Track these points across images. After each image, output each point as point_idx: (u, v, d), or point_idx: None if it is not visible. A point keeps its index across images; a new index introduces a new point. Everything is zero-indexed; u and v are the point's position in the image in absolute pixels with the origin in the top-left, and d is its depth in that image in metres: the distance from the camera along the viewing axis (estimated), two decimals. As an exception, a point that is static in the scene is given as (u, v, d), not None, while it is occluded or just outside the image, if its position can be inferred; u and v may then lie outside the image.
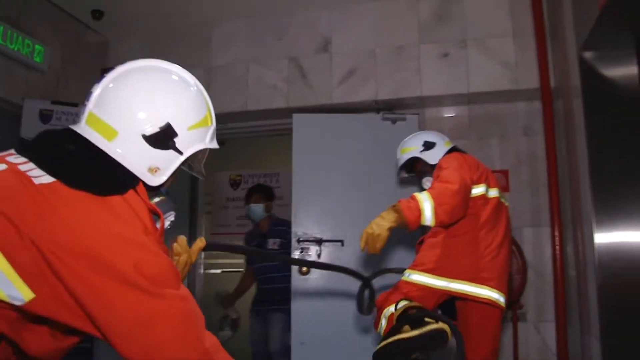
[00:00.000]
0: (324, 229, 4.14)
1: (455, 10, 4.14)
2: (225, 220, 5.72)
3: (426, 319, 2.39)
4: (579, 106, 3.19)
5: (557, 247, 3.78)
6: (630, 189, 2.88)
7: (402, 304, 2.59)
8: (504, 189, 3.97)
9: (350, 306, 3.34)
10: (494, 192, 2.86)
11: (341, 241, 4.09)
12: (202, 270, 5.49)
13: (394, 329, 2.49)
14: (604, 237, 2.93)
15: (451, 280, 2.68)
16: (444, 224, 2.65)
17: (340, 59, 4.32)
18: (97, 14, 4.56)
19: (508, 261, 2.90)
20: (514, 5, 4.02)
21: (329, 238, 4.11)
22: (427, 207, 2.50)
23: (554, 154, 3.86)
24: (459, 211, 2.60)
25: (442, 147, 3.01)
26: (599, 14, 2.63)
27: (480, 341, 2.82)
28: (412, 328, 2.39)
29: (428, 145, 3.05)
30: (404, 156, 3.10)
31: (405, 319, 2.51)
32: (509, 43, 4.01)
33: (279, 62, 4.43)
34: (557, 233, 3.78)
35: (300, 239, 4.13)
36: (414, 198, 2.53)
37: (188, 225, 4.80)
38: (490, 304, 2.72)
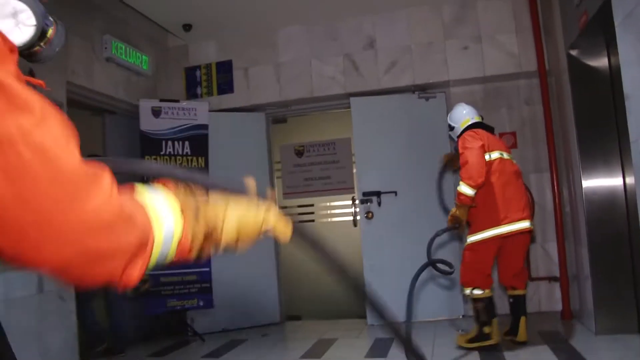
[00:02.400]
0: (381, 183, 5.52)
1: (471, 13, 5.44)
2: (293, 182, 7.09)
3: None
4: (567, 83, 4.56)
5: (556, 188, 5.17)
6: (605, 144, 4.28)
7: (477, 292, 4.00)
8: (513, 146, 5.33)
9: (401, 238, 4.84)
10: (493, 155, 4.11)
11: (395, 192, 5.47)
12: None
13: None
14: (588, 182, 4.35)
15: (497, 227, 4.00)
16: (480, 185, 3.94)
17: (384, 54, 5.62)
18: (187, 27, 5.77)
19: (525, 196, 4.24)
20: (515, 10, 5.33)
21: (385, 190, 5.49)
22: (464, 187, 3.93)
23: (550, 117, 5.21)
24: (482, 175, 3.92)
25: (458, 129, 4.36)
26: (579, 31, 4.00)
27: (517, 259, 4.18)
28: None
29: (450, 127, 4.45)
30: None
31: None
32: (512, 38, 5.34)
33: (336, 58, 5.72)
34: (555, 177, 5.16)
35: (364, 191, 5.51)
36: (458, 191, 3.97)
37: (270, 185, 6.09)
38: (524, 231, 4.08)
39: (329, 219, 7.48)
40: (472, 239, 4.08)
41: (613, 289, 4.22)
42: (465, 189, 3.93)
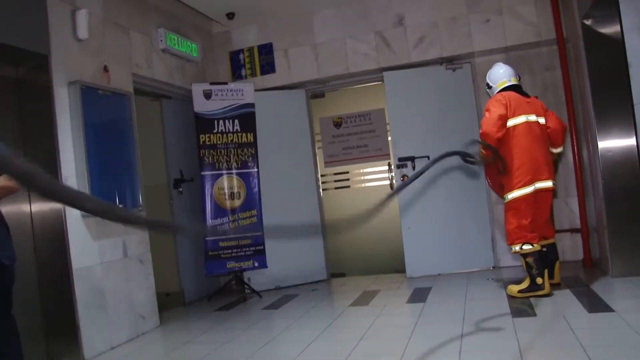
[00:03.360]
0: (415, 149, 6.04)
1: (492, -13, 5.85)
2: (333, 152, 7.66)
3: None
4: (582, 50, 4.97)
5: (575, 148, 5.61)
6: (618, 106, 4.69)
7: (526, 247, 4.43)
8: (535, 110, 5.75)
9: (434, 199, 5.39)
10: (519, 119, 4.55)
11: (427, 157, 5.99)
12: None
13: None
14: (603, 142, 4.80)
15: (528, 185, 4.48)
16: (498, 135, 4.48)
17: (412, 30, 6.08)
18: (231, 15, 6.30)
19: (548, 157, 4.68)
20: (534, -18, 5.72)
21: (419, 155, 6.02)
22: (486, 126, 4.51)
23: (569, 81, 5.63)
24: (496, 137, 4.47)
25: (495, 89, 4.83)
26: (590, 5, 4.42)
27: (543, 212, 4.66)
28: None
29: (488, 86, 4.91)
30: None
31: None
32: (532, 8, 5.74)
33: (368, 36, 6.20)
34: (574, 138, 5.60)
35: (399, 157, 6.04)
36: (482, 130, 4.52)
37: (312, 156, 6.69)
38: (548, 190, 4.57)
39: (363, 185, 8.07)
40: (509, 196, 4.57)
41: (627, 237, 4.70)
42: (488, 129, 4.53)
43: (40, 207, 4.16)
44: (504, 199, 4.64)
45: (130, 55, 5.13)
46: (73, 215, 4.17)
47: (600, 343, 3.21)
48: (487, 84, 4.95)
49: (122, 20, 5.07)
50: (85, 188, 4.25)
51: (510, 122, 4.56)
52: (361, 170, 8.06)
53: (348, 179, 8.12)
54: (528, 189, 4.47)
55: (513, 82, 4.77)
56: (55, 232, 4.10)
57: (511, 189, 4.53)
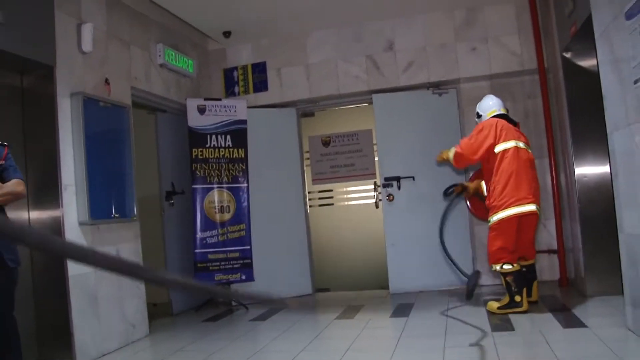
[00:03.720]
0: (401, 170, 6.27)
1: (479, 17, 6.13)
2: (321, 169, 7.87)
3: None
4: (561, 80, 5.25)
5: (554, 172, 5.87)
6: (594, 134, 4.95)
7: (507, 267, 4.67)
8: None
9: (419, 217, 5.60)
10: (507, 145, 4.77)
11: (412, 177, 6.21)
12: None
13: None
14: (580, 167, 5.06)
15: (512, 207, 4.69)
16: (456, 166, 4.89)
17: (402, 55, 6.33)
18: (227, 34, 6.50)
19: (534, 183, 4.85)
20: (518, 14, 6.01)
21: (404, 175, 6.24)
22: (451, 153, 4.84)
23: (549, 110, 5.90)
24: (462, 163, 4.87)
25: (484, 118, 5.08)
26: (569, 40, 4.69)
27: (527, 235, 4.87)
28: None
29: (477, 115, 5.16)
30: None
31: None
32: (515, 39, 6.03)
33: (359, 59, 6.44)
34: (553, 163, 5.86)
35: (385, 177, 6.26)
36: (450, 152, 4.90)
37: (301, 174, 6.87)
38: (532, 213, 4.77)
39: (346, 203, 8.31)
40: (493, 219, 4.78)
41: (601, 258, 4.93)
42: (451, 155, 4.93)
43: (38, 214, 4.28)
44: (489, 221, 4.84)
45: (130, 68, 5.30)
46: (70, 222, 4.30)
47: (573, 356, 3.42)
48: (477, 114, 5.20)
49: (124, 34, 5.24)
50: (84, 197, 4.39)
51: (500, 147, 4.78)
52: (345, 189, 8.30)
53: (332, 197, 8.35)
54: (512, 211, 4.68)
55: (502, 111, 5.05)
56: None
57: (496, 212, 4.74)
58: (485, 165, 4.89)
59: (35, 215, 4.28)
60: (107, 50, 4.97)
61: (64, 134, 4.36)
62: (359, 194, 8.19)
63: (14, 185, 3.26)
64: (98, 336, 4.46)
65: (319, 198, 8.26)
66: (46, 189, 4.27)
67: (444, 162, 5.23)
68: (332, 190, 8.25)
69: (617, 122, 3.68)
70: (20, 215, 4.20)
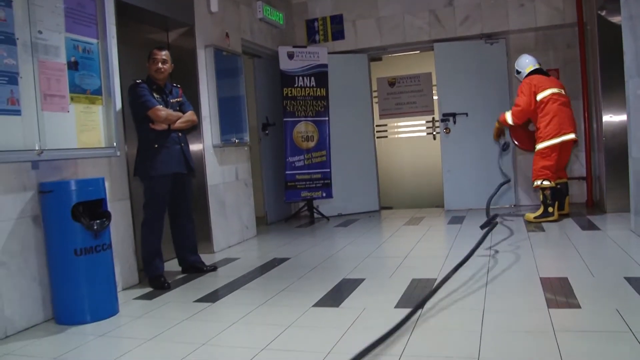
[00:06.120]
0: (456, 106, 7.49)
1: (528, -22, 7.17)
2: (387, 106, 9.20)
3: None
4: (596, 35, 6.32)
5: (586, 112, 7.01)
6: (621, 82, 6.05)
7: (546, 183, 5.97)
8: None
9: (470, 147, 6.88)
10: (546, 92, 6.03)
11: (466, 113, 7.44)
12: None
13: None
14: (607, 109, 6.21)
15: (556, 137, 5.97)
16: (518, 123, 6.09)
17: (460, 10, 7.43)
18: (310, -10, 7.68)
19: (572, 117, 6.10)
20: (562, -24, 7.03)
21: (459, 112, 7.47)
22: (508, 117, 6.02)
23: (584, 59, 6.98)
24: (523, 118, 6.08)
25: (523, 73, 6.26)
26: (603, 1, 5.76)
27: (565, 158, 6.19)
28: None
29: (517, 72, 6.34)
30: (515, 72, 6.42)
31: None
32: (559, -3, 7.08)
33: (422, 13, 7.57)
34: (585, 104, 6.99)
35: (444, 113, 7.51)
36: (503, 115, 6.12)
37: (370, 110, 8.18)
38: (571, 141, 6.03)
39: (396, 136, 9.84)
40: (540, 146, 6.06)
41: (619, 182, 6.08)
42: (509, 119, 6.16)
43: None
44: (534, 149, 6.13)
45: (239, 23, 6.58)
46: (207, 145, 5.70)
47: (588, 247, 4.73)
48: (517, 70, 6.42)
49: (235, -3, 6.50)
50: (217, 125, 5.78)
51: (540, 96, 6.04)
52: (395, 124, 9.73)
53: (386, 131, 9.73)
54: (556, 140, 5.97)
55: (537, 67, 6.26)
56: (197, 159, 5.61)
57: (543, 140, 6.02)
58: (534, 111, 6.12)
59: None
60: (225, 10, 6.24)
61: (201, 77, 5.71)
62: (408, 129, 9.76)
63: (191, 114, 4.64)
64: (226, 232, 5.94)
65: (377, 131, 9.59)
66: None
67: (500, 129, 6.60)
68: (386, 125, 9.74)
69: (631, 72, 4.84)
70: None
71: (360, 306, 3.41)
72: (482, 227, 5.19)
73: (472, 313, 3.10)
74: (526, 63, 6.31)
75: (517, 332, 2.79)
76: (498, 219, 5.98)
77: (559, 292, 3.39)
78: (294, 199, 7.59)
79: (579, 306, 3.10)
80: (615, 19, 6.15)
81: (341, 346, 2.74)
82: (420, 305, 3.16)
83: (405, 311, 3.00)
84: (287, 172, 7.43)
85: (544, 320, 2.89)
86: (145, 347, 2.95)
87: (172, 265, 4.84)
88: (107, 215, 3.57)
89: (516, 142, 6.64)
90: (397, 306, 3.36)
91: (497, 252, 4.68)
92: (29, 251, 3.42)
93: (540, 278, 3.74)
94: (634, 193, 4.95)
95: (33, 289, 3.44)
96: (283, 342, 2.88)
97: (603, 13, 6.22)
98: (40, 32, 3.48)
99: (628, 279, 3.53)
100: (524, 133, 6.52)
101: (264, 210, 7.52)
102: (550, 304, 3.17)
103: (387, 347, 2.63)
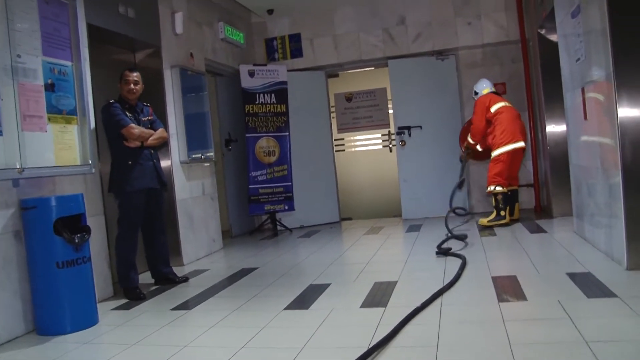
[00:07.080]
0: (411, 120, 7.88)
1: (474, -2, 7.64)
2: (344, 120, 9.55)
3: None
4: (537, 50, 6.80)
5: (531, 123, 7.49)
6: (561, 94, 6.54)
7: (498, 189, 6.40)
8: (503, 92, 7.59)
9: (425, 158, 7.27)
10: (498, 105, 6.54)
11: (420, 126, 7.84)
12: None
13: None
14: (550, 119, 6.68)
15: (509, 144, 6.41)
16: (477, 141, 6.65)
17: (412, 28, 7.85)
18: (270, 11, 7.98)
19: (522, 127, 6.60)
20: (505, -4, 7.53)
21: (413, 125, 7.86)
22: (470, 139, 6.53)
23: (528, 72, 7.47)
24: (479, 135, 6.63)
25: (480, 94, 6.71)
26: (542, 20, 6.24)
27: (516, 166, 6.64)
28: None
29: (475, 93, 6.81)
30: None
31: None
32: (503, 15, 7.55)
33: (377, 31, 7.96)
34: (530, 115, 7.46)
35: (399, 126, 7.88)
36: (467, 141, 6.69)
37: (328, 124, 8.50)
38: (521, 149, 6.49)
39: (353, 149, 10.21)
40: (495, 153, 6.51)
41: (564, 188, 6.52)
42: (470, 141, 6.66)
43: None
44: (490, 157, 6.59)
45: (203, 44, 6.82)
46: (175, 161, 5.90)
47: (535, 248, 5.12)
48: (475, 92, 6.88)
49: (198, 17, 6.75)
50: (183, 142, 6.00)
51: (494, 107, 6.59)
52: (353, 138, 10.13)
53: (344, 145, 10.09)
54: (508, 147, 6.43)
55: (493, 90, 6.86)
56: (166, 175, 5.81)
57: (497, 147, 6.49)
58: (486, 127, 6.67)
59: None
60: (189, 31, 6.48)
61: (168, 96, 5.92)
62: (365, 142, 10.18)
63: (162, 132, 4.87)
64: (194, 245, 6.13)
65: (335, 145, 9.92)
66: (159, 137, 5.85)
67: (468, 149, 7.12)
68: (343, 139, 10.10)
69: (567, 86, 5.29)
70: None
71: (328, 307, 3.68)
72: (438, 247, 5.43)
73: (431, 307, 3.42)
74: (483, 87, 6.88)
75: (472, 323, 3.11)
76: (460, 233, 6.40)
77: (508, 288, 3.74)
78: (258, 212, 7.82)
79: (525, 299, 3.45)
80: (553, 37, 6.63)
81: (313, 342, 3.01)
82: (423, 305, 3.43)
83: (371, 310, 3.28)
84: (250, 186, 7.66)
85: (495, 312, 3.22)
86: (130, 351, 3.15)
87: (145, 278, 5.02)
88: (87, 230, 3.76)
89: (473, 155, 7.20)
90: (362, 306, 3.65)
91: (454, 254, 5.01)
92: (11, 266, 3.58)
93: (492, 277, 4.09)
94: (575, 197, 5.38)
95: (15, 302, 3.59)
96: (260, 341, 3.13)
97: (543, 31, 6.70)
98: (19, 55, 3.66)
99: (569, 275, 3.91)
100: (482, 154, 7.10)
101: (229, 224, 7.73)
102: (501, 298, 3.51)
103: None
